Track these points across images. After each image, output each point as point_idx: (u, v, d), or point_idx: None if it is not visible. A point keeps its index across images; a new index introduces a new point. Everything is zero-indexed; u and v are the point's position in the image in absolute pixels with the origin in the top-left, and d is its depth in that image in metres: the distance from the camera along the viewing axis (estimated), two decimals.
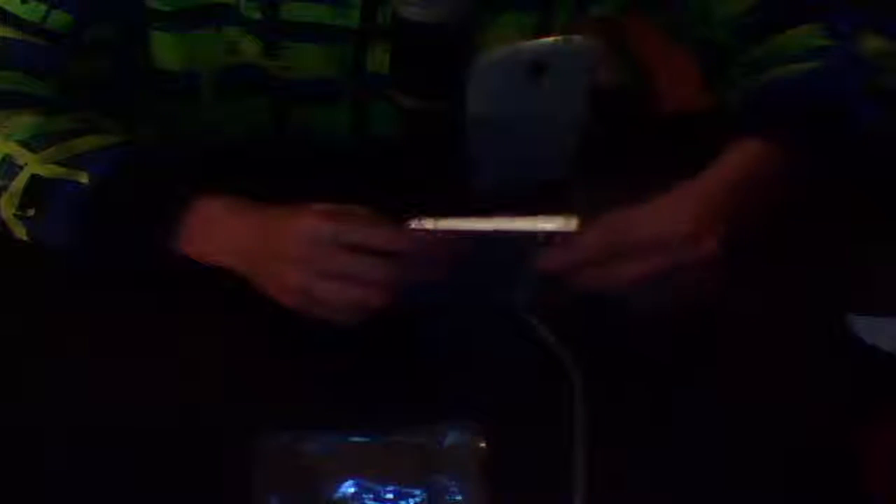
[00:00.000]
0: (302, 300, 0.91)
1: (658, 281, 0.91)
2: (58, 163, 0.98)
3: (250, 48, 1.06)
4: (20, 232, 1.00)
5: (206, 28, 1.06)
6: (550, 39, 1.02)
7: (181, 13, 1.05)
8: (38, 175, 0.98)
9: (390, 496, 0.85)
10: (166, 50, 1.07)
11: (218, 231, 0.95)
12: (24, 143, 0.99)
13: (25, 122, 1.00)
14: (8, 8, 1.03)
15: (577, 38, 1.01)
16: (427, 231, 0.90)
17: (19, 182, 0.98)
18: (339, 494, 0.85)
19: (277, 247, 0.92)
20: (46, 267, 1.01)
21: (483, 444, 0.88)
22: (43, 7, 1.02)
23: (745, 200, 0.96)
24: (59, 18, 1.03)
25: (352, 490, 0.85)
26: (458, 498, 0.85)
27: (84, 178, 0.97)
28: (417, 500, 0.85)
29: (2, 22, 1.03)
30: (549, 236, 0.91)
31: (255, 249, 0.94)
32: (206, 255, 0.96)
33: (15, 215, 0.99)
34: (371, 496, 0.85)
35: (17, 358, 0.95)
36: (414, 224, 0.90)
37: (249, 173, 0.98)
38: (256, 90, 1.09)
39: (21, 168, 0.98)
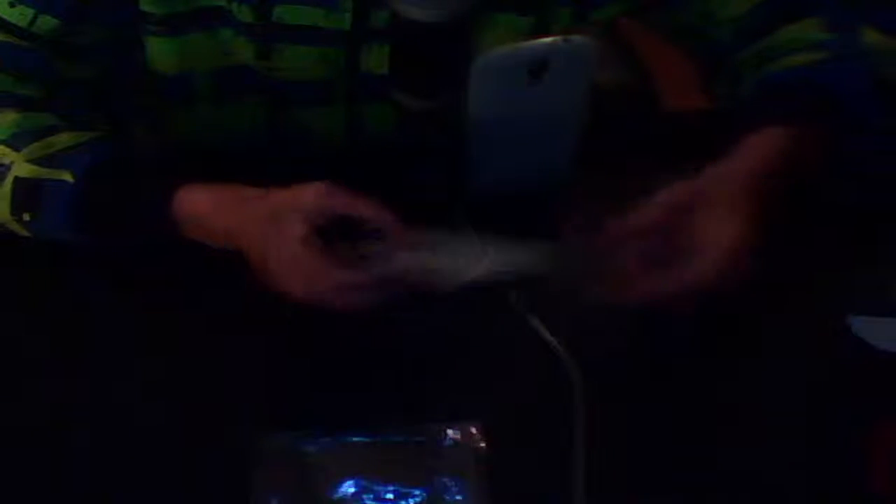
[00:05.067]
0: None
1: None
2: (39, 162, 0.99)
3: (244, 50, 1.07)
4: (20, 231, 1.00)
5: (200, 31, 1.06)
6: (550, 39, 1.01)
7: (175, 16, 1.05)
8: (21, 177, 0.99)
9: (390, 496, 0.85)
10: (161, 53, 1.07)
11: (208, 219, 0.96)
12: (7, 142, 1.00)
13: (8, 120, 1.01)
14: None
15: (576, 37, 1.01)
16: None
17: (7, 186, 0.99)
18: (339, 494, 0.85)
19: (268, 251, 0.93)
20: (47, 267, 1.01)
21: (483, 444, 0.88)
22: (30, 11, 1.02)
23: (771, 193, 0.96)
24: (46, 23, 1.03)
25: (352, 490, 0.85)
26: (458, 498, 0.85)
27: (68, 177, 0.97)
28: (417, 500, 0.85)
29: None
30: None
31: (247, 242, 0.95)
32: (202, 238, 0.97)
33: (13, 219, 1.00)
34: (371, 496, 0.85)
35: (18, 358, 0.95)
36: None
37: (245, 175, 0.98)
38: (251, 92, 1.09)
39: (7, 168, 0.99)
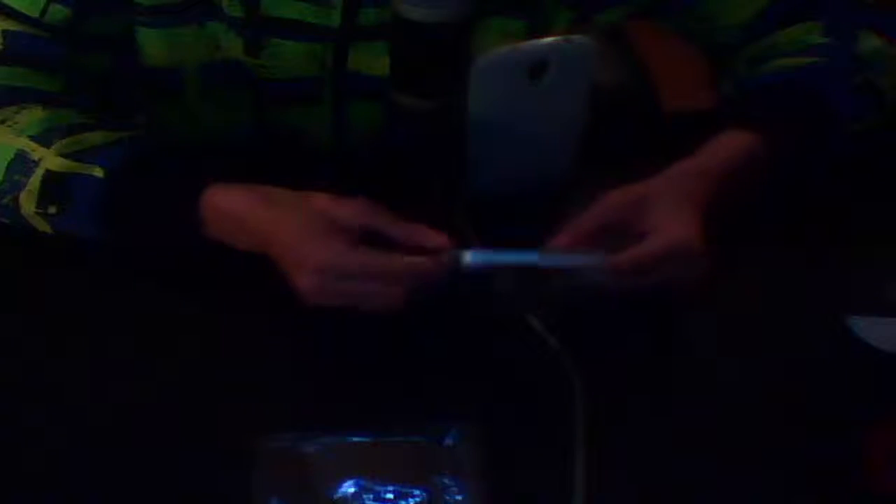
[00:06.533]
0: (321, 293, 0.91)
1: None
2: (70, 156, 0.98)
3: (233, 45, 1.07)
4: (43, 227, 1.00)
5: (189, 24, 1.06)
6: (550, 39, 1.02)
7: (165, 8, 1.05)
8: (52, 171, 0.98)
9: (390, 496, 0.85)
10: (150, 44, 1.08)
11: (240, 219, 0.95)
12: (36, 139, 1.00)
13: (35, 117, 1.01)
14: (7, 3, 1.04)
15: (577, 37, 1.01)
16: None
17: (36, 179, 0.99)
18: (339, 494, 0.85)
19: (295, 250, 0.92)
20: (47, 267, 1.01)
21: (483, 445, 0.88)
22: (41, 1, 1.03)
23: (723, 191, 0.97)
24: (57, 12, 1.04)
25: (352, 490, 0.85)
26: (458, 498, 0.85)
27: (98, 172, 0.97)
28: (417, 500, 0.85)
29: (3, 17, 1.04)
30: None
31: (275, 241, 0.94)
32: (228, 240, 0.96)
33: (36, 213, 0.99)
34: (371, 496, 0.85)
35: (18, 358, 0.95)
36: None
37: (231, 173, 0.97)
38: (238, 87, 1.10)
39: (36, 163, 0.99)
